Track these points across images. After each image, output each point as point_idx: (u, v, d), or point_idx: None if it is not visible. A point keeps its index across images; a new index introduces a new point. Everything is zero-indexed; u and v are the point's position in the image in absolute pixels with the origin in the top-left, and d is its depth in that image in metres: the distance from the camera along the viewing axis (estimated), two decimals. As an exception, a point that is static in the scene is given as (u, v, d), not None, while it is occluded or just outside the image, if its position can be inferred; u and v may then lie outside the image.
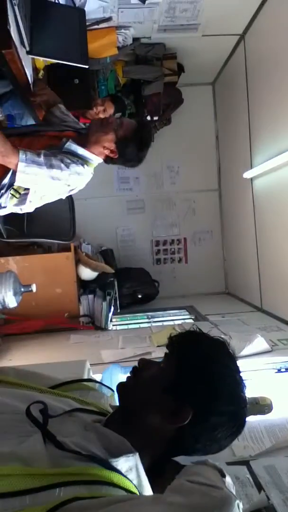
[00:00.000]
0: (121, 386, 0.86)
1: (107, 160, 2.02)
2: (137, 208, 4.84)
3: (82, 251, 3.73)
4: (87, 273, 3.65)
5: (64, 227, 2.74)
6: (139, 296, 4.29)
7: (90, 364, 2.07)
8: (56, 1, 2.14)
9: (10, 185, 1.82)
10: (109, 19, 3.14)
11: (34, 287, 2.84)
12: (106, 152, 1.97)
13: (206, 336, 0.89)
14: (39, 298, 3.07)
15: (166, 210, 4.87)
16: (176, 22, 3.33)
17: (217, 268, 4.91)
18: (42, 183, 1.82)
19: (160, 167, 4.81)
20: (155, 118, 4.01)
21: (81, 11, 2.24)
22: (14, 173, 1.76)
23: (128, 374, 0.88)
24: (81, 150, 1.92)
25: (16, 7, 1.62)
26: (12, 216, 2.14)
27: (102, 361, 2.61)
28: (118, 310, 3.95)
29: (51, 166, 1.76)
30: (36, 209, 2.04)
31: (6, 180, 1.82)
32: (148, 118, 3.85)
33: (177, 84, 4.09)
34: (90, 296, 3.62)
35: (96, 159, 1.97)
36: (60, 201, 2.40)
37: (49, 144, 1.90)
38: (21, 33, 1.75)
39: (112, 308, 3.63)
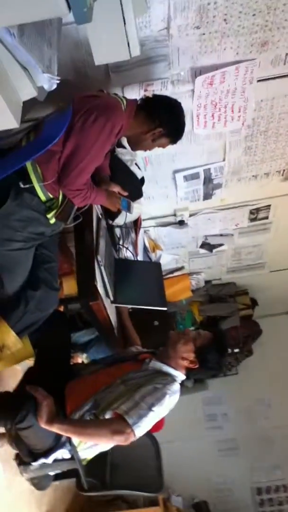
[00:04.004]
0: None
1: (188, 373, 1.93)
2: (230, 449, 4.32)
3: (173, 504, 3.25)
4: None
5: (151, 476, 2.46)
6: None
7: None
8: (136, 259, 2.49)
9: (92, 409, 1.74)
10: (181, 268, 3.54)
11: None
12: (185, 363, 1.89)
13: None
14: None
15: (264, 450, 4.27)
16: (243, 263, 3.66)
17: None
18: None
19: (249, 401, 4.50)
20: (236, 350, 4.01)
21: (157, 265, 2.57)
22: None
23: None
24: (165, 368, 1.88)
25: (102, 267, 1.90)
26: (94, 466, 1.99)
27: None
28: None
29: (152, 406, 1.66)
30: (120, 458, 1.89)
31: (87, 407, 1.75)
32: (229, 350, 3.86)
33: (253, 316, 4.21)
34: None
35: (180, 376, 1.89)
36: (145, 447, 2.26)
37: (132, 369, 1.89)
38: (106, 287, 1.99)
39: None
